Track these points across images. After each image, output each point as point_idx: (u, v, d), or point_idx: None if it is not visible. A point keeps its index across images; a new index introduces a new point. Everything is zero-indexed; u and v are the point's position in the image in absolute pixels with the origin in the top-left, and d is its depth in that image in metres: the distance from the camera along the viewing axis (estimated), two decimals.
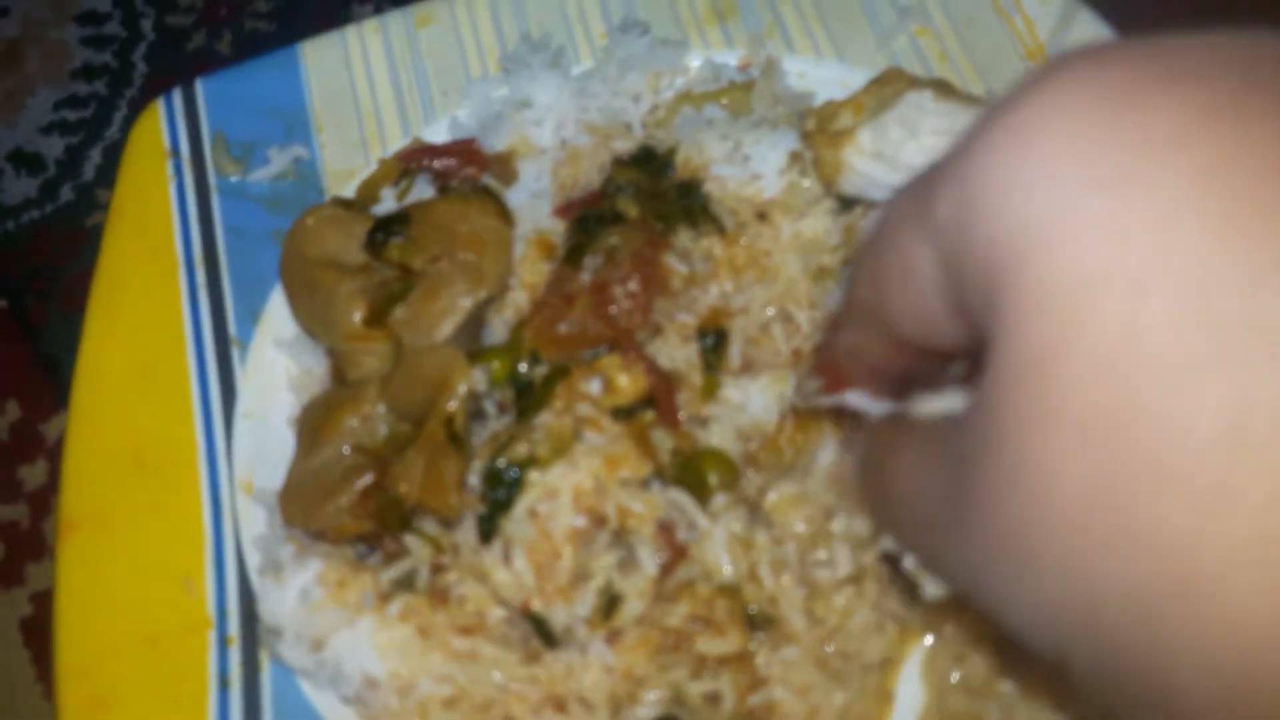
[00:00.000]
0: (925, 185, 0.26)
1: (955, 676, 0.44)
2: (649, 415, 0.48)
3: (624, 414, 0.47)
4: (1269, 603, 0.19)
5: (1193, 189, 0.20)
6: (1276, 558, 0.18)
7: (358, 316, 0.49)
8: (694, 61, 0.62)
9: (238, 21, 0.78)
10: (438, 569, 0.45)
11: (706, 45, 0.63)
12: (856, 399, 0.35)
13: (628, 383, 0.48)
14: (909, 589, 0.41)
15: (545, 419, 0.47)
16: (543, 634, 0.43)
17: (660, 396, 0.48)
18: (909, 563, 0.33)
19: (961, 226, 0.23)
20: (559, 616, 0.43)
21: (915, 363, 0.31)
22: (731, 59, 0.62)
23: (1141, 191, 0.20)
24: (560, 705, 0.43)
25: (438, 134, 0.60)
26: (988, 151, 0.22)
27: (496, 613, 0.45)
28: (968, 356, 0.27)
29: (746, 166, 0.55)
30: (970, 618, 0.41)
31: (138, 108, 0.73)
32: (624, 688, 0.43)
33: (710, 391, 0.50)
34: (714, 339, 0.51)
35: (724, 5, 0.63)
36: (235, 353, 0.53)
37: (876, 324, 0.31)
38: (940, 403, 0.33)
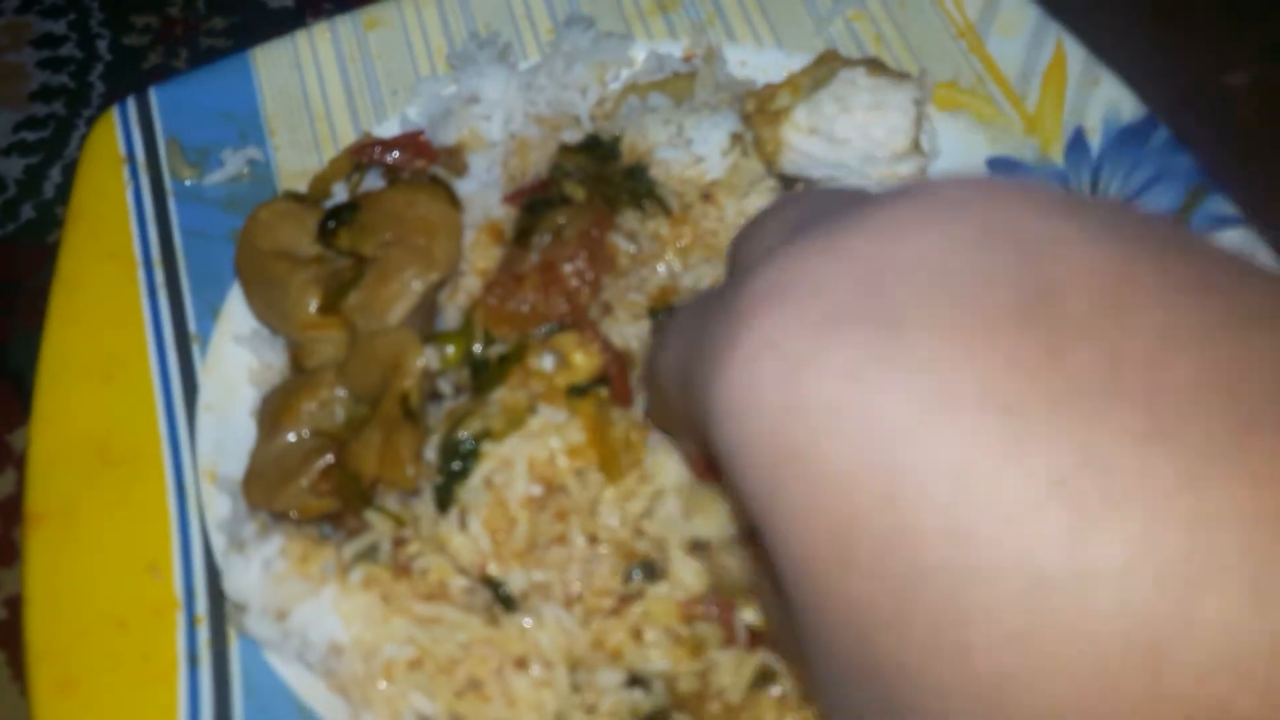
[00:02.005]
0: (685, 354, 0.28)
1: None
2: (603, 392, 0.51)
3: (579, 391, 0.50)
4: None
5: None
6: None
7: (312, 305, 0.52)
8: (639, 53, 0.66)
9: (194, 38, 0.81)
10: (399, 543, 0.48)
11: (650, 37, 0.67)
12: None
13: (583, 360, 0.51)
14: None
15: (500, 394, 0.50)
16: (501, 598, 0.46)
17: (614, 374, 0.51)
18: None
19: (725, 449, 0.24)
20: (516, 580, 0.46)
21: None
22: (675, 50, 0.66)
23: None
24: (521, 664, 0.45)
25: (389, 132, 0.63)
26: (729, 373, 0.23)
27: (458, 582, 0.48)
28: None
29: (690, 149, 0.59)
30: None
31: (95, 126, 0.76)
32: (581, 649, 0.46)
33: None
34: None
35: None
36: (195, 349, 0.56)
37: (685, 434, 0.32)
38: None
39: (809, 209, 0.28)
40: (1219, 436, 0.18)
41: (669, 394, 0.31)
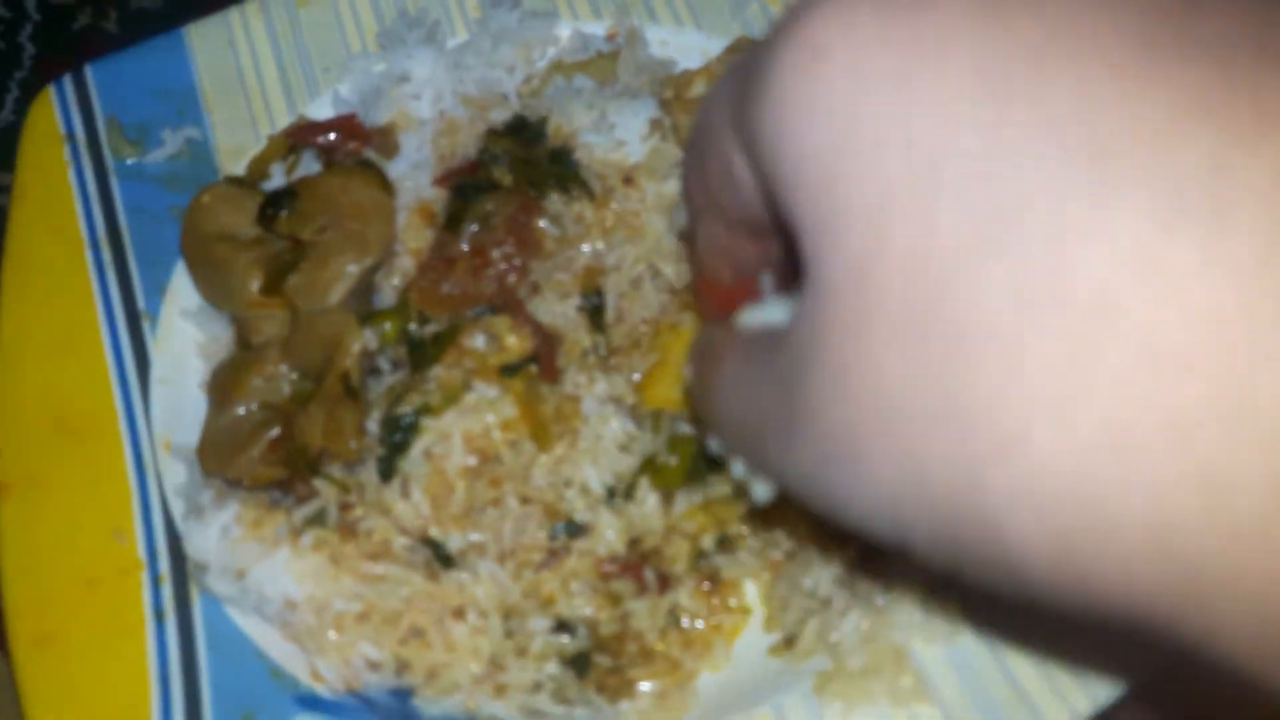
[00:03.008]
0: (738, 89, 0.28)
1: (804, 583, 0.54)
2: (532, 369, 0.57)
3: (510, 370, 0.56)
4: (1068, 454, 0.20)
5: (965, 88, 0.21)
6: (1071, 412, 0.20)
7: (255, 286, 0.57)
8: (564, 31, 0.71)
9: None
10: (345, 507, 0.54)
11: (575, 15, 0.71)
12: (751, 314, 0.35)
13: (515, 342, 0.57)
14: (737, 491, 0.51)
15: (437, 372, 0.56)
16: (440, 557, 0.53)
17: (542, 353, 0.57)
18: (736, 468, 0.36)
19: (771, 146, 0.25)
20: (455, 541, 0.53)
21: (763, 246, 0.33)
22: (599, 29, 0.71)
23: (922, 98, 0.22)
24: (459, 614, 0.52)
25: (322, 109, 0.67)
26: (786, 72, 0.24)
27: (400, 541, 0.54)
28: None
29: (612, 134, 0.64)
30: (797, 514, 0.51)
31: (29, 89, 0.78)
32: (513, 599, 0.53)
33: (602, 349, 0.59)
34: (595, 299, 0.60)
35: None
36: (145, 325, 0.60)
37: (715, 214, 0.32)
38: (760, 314, 0.35)
39: None
40: None
41: (714, 140, 0.30)
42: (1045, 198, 0.20)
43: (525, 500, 0.54)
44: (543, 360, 0.57)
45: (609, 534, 0.54)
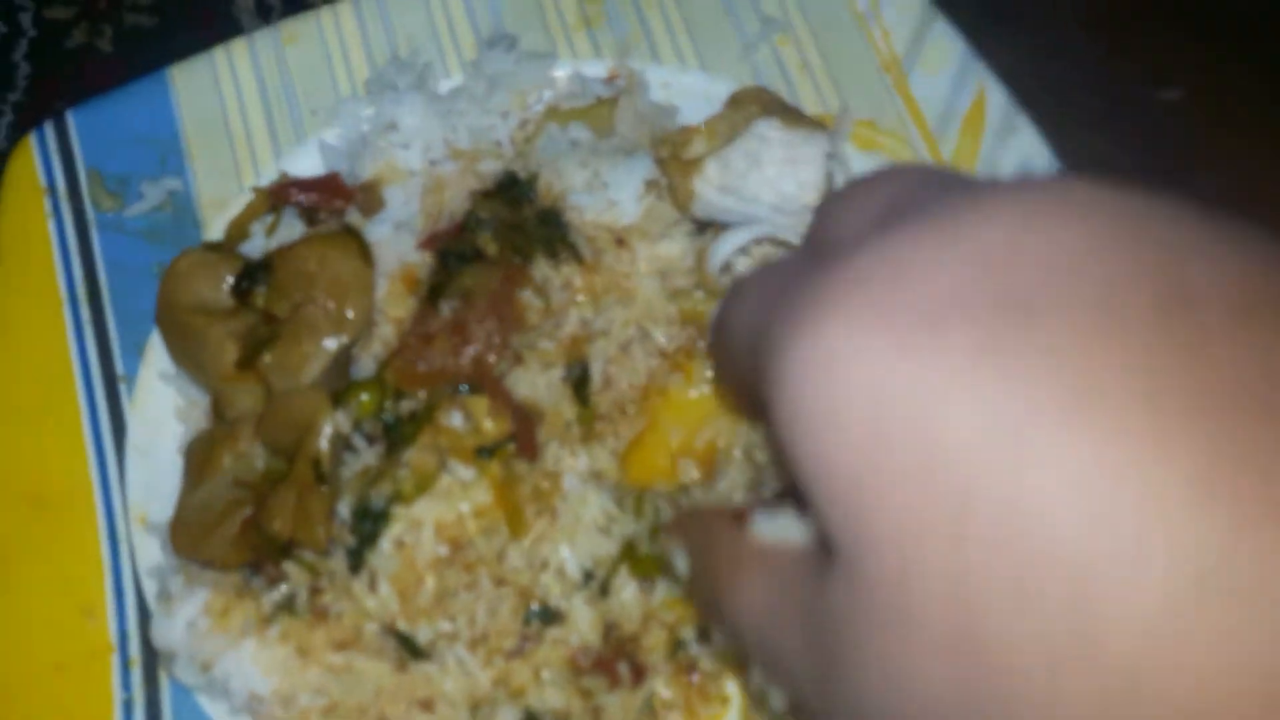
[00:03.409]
0: (758, 330, 0.28)
1: None
2: (510, 448, 0.55)
3: (486, 452, 0.54)
4: None
5: (981, 430, 0.21)
6: None
7: (230, 360, 0.56)
8: (562, 73, 0.67)
9: (118, 14, 0.81)
10: (315, 591, 0.54)
11: (574, 54, 0.68)
12: (766, 524, 0.34)
13: (492, 427, 0.55)
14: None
15: (410, 454, 0.54)
16: (409, 648, 0.52)
17: (521, 432, 0.55)
18: (755, 676, 0.35)
19: (789, 442, 0.25)
20: (424, 633, 0.52)
21: None
22: (599, 69, 0.68)
23: (945, 438, 0.22)
24: (428, 706, 0.52)
25: (307, 157, 0.65)
26: (799, 373, 0.24)
27: (370, 627, 0.53)
28: None
29: (605, 194, 0.62)
30: None
31: (22, 113, 0.77)
32: (483, 690, 0.52)
33: (586, 422, 0.57)
34: (579, 370, 0.57)
35: (591, 13, 0.68)
36: (123, 388, 0.59)
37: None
38: (776, 528, 0.34)
39: (908, 189, 0.28)
40: None
41: (736, 353, 0.31)
42: (1067, 561, 0.20)
43: (499, 583, 0.53)
44: (521, 439, 0.55)
45: (583, 625, 0.53)
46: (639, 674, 0.54)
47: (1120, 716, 0.20)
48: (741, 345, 0.31)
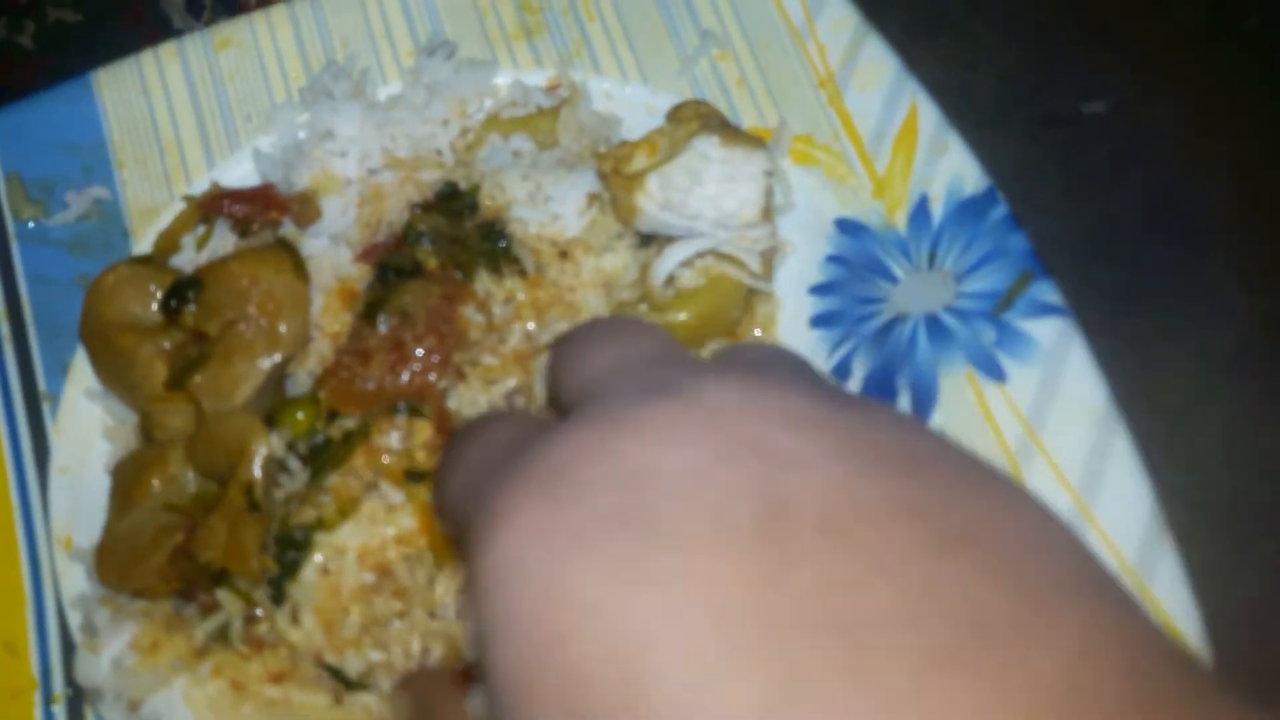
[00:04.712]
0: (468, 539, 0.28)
1: None
2: None
3: (417, 476, 0.52)
4: None
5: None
6: None
7: (159, 380, 0.53)
8: (502, 80, 0.65)
9: (40, 9, 0.77)
10: (250, 620, 0.51)
11: (515, 64, 0.65)
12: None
13: (424, 459, 0.52)
14: None
15: (334, 479, 0.52)
16: (341, 680, 0.50)
17: None
18: None
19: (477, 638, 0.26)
20: (353, 664, 0.50)
21: None
22: (539, 79, 0.65)
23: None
24: None
25: (241, 165, 0.62)
26: (481, 589, 0.25)
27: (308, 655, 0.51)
28: None
29: (547, 207, 0.59)
30: None
31: None
32: None
33: None
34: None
35: (532, 24, 0.65)
36: (46, 407, 0.56)
37: None
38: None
39: (617, 365, 0.29)
40: (906, 674, 0.20)
41: (450, 513, 0.31)
42: None
43: (431, 615, 0.51)
44: None
45: None
46: None
47: None
48: (454, 510, 0.31)
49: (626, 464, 0.24)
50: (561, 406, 0.30)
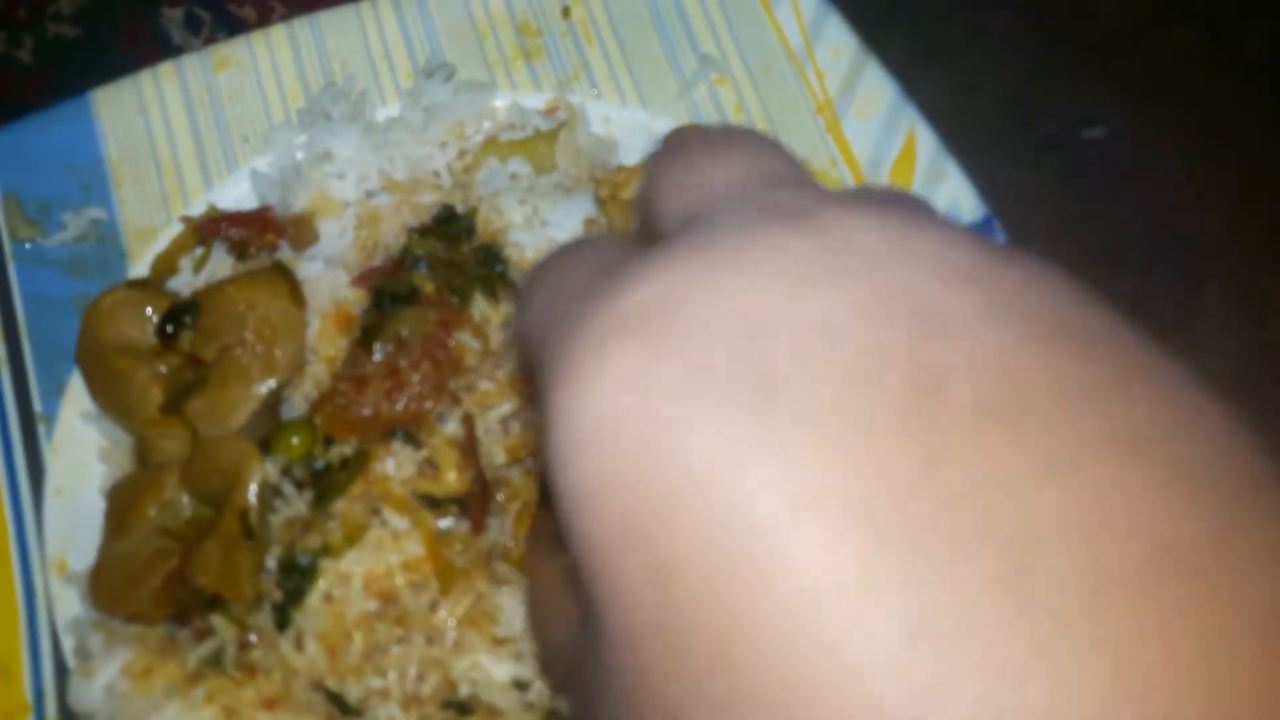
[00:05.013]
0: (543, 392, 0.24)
1: None
2: (454, 510, 0.52)
3: (432, 503, 0.52)
4: None
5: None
6: None
7: (154, 404, 0.52)
8: (500, 103, 0.64)
9: (40, 23, 0.76)
10: (244, 645, 0.51)
11: (514, 86, 0.65)
12: None
13: (454, 480, 0.52)
14: None
15: (340, 506, 0.51)
16: (340, 706, 0.49)
17: (474, 502, 0.52)
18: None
19: (553, 479, 0.22)
20: (354, 690, 0.49)
21: None
22: (538, 102, 0.65)
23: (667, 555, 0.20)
24: None
25: (239, 186, 0.61)
26: (559, 424, 0.22)
27: (300, 683, 0.50)
28: None
29: (544, 231, 0.59)
30: None
31: None
32: None
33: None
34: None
35: (531, 47, 0.65)
36: (41, 429, 0.55)
37: None
38: None
39: (729, 183, 0.25)
40: (1077, 602, 0.17)
41: (527, 347, 0.28)
42: (773, 696, 0.18)
43: (430, 641, 0.51)
44: (472, 507, 0.52)
45: None
46: None
47: None
48: (531, 342, 0.27)
49: (745, 310, 0.20)
50: (656, 237, 0.25)
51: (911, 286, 0.20)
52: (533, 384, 0.28)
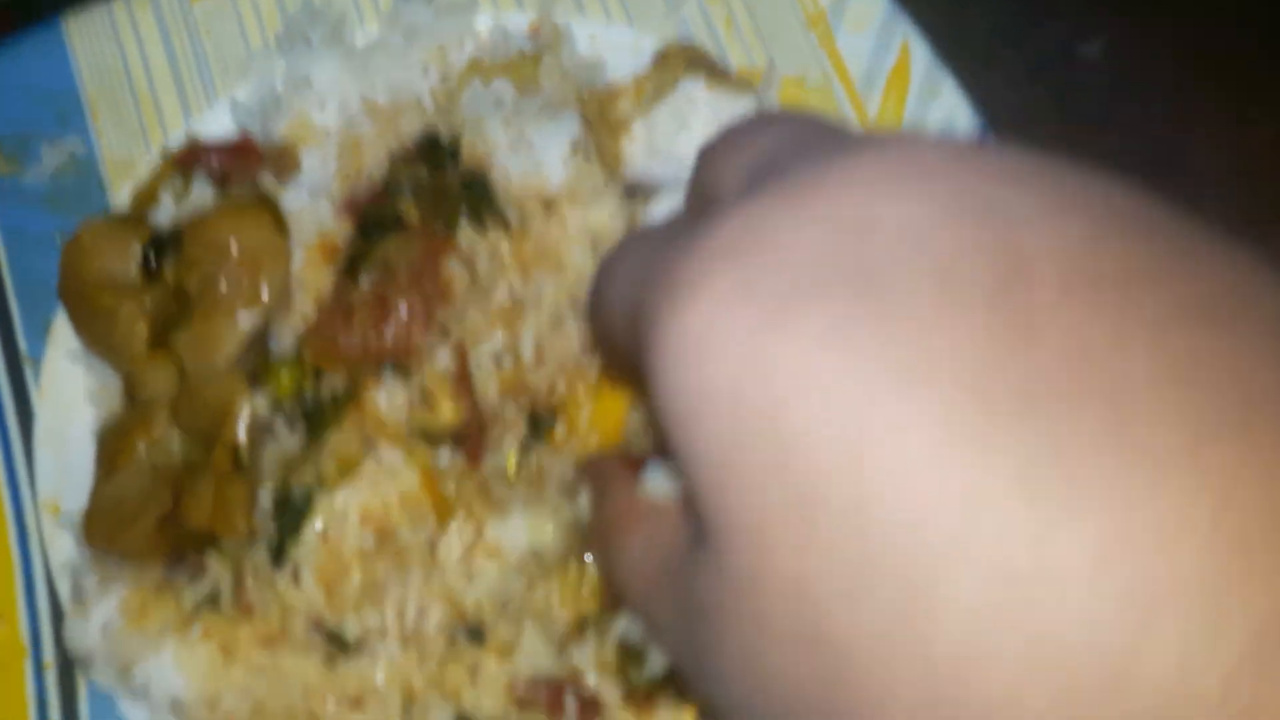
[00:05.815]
0: (636, 296, 0.25)
1: None
2: (448, 443, 0.50)
3: (429, 437, 0.50)
4: None
5: (830, 428, 0.20)
6: None
7: (141, 339, 0.50)
8: (483, 24, 0.61)
9: None
10: (240, 584, 0.49)
11: (496, 6, 0.61)
12: (651, 479, 0.32)
13: (449, 411, 0.50)
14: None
15: (333, 439, 0.49)
16: (336, 643, 0.48)
17: (471, 434, 0.50)
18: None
19: (665, 425, 0.23)
20: (352, 627, 0.48)
21: None
22: (521, 21, 0.61)
23: (797, 442, 0.20)
24: (358, 704, 0.48)
25: (218, 118, 0.58)
26: (672, 355, 0.22)
27: (297, 621, 0.49)
28: None
29: (530, 155, 0.56)
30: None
31: None
32: (416, 684, 0.48)
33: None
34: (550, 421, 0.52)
35: None
36: (28, 370, 0.53)
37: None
38: (657, 483, 0.32)
39: (782, 143, 0.26)
40: (1177, 442, 0.17)
41: (614, 327, 0.29)
42: (898, 558, 0.19)
43: (428, 576, 0.49)
44: (469, 439, 0.50)
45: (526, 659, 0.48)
46: (589, 711, 0.47)
47: (948, 714, 0.19)
48: (619, 319, 0.28)
49: (839, 213, 0.21)
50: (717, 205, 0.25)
51: (982, 190, 0.21)
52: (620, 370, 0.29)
